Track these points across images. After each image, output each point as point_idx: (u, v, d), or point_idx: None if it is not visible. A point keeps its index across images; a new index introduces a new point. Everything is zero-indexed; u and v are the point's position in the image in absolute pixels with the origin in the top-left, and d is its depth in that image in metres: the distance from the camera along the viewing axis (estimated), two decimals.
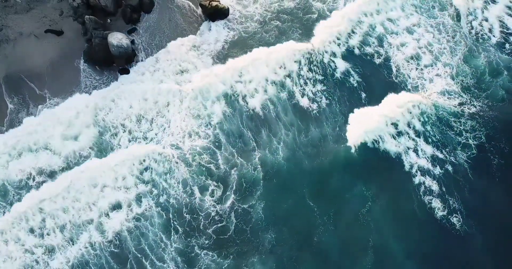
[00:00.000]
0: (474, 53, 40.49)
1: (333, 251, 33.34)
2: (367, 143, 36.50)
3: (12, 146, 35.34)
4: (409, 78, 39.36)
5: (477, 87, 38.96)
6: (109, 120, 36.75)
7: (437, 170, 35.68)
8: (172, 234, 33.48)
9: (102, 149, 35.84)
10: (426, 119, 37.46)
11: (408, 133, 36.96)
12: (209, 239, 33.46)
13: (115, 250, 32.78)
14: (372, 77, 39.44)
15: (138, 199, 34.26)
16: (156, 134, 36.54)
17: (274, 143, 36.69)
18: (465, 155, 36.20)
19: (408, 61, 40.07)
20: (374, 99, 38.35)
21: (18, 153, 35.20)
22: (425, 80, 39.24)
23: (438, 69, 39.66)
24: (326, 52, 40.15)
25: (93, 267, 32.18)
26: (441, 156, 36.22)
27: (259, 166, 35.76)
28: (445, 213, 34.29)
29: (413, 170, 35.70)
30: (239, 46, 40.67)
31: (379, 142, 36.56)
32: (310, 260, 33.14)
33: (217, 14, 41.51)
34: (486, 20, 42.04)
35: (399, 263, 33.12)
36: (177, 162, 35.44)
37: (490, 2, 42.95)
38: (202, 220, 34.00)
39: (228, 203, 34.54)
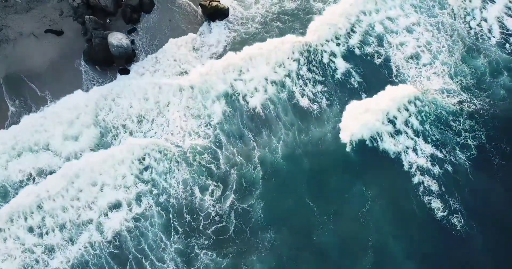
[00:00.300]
0: (473, 53, 40.47)
1: (332, 250, 33.28)
2: (366, 142, 36.47)
3: (12, 146, 35.31)
4: (409, 77, 39.35)
5: (476, 86, 38.92)
6: (109, 120, 36.81)
7: (437, 170, 35.63)
8: (172, 234, 33.45)
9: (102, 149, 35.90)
10: (425, 118, 37.43)
11: (406, 132, 36.93)
12: (209, 239, 33.43)
13: (115, 250, 32.75)
14: (372, 77, 39.42)
15: (138, 198, 34.26)
16: (155, 133, 36.54)
17: (274, 142, 36.67)
18: (464, 155, 36.15)
19: (408, 61, 40.06)
20: (374, 99, 38.26)
21: (18, 153, 35.18)
22: (423, 77, 39.22)
23: (436, 67, 39.64)
24: (325, 51, 40.17)
25: (93, 267, 32.15)
26: (440, 155, 36.18)
27: (259, 165, 35.74)
28: (445, 213, 34.23)
29: (413, 170, 35.65)
30: (239, 46, 40.60)
31: (378, 142, 36.54)
32: (310, 259, 33.09)
33: (217, 14, 41.49)
34: (485, 20, 42.01)
35: (399, 263, 33.03)
36: (177, 162, 35.46)
37: (489, 2, 43.04)
38: (202, 220, 33.97)
39: (228, 202, 34.52)
